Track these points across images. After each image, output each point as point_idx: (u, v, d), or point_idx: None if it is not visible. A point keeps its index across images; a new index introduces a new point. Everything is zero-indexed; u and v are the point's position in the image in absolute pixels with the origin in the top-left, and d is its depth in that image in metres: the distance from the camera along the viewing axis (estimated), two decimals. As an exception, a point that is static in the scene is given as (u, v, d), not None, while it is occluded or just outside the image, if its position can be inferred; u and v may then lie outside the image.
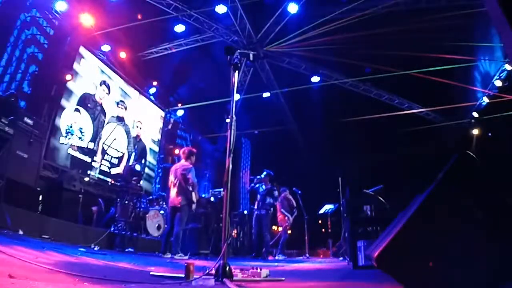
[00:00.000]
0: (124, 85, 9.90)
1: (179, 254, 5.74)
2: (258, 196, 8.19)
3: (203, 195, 10.20)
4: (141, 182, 9.22)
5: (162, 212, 7.85)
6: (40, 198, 5.55)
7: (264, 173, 8.37)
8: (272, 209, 8.12)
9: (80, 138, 8.07)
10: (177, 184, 6.15)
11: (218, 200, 9.51)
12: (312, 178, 12.19)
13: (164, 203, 8.11)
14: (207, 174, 13.29)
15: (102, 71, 9.08)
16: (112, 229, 6.46)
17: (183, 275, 2.50)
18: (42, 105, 7.20)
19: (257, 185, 8.39)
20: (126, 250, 6.14)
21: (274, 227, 11.11)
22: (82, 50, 8.29)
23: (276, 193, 8.23)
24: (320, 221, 12.00)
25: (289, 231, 9.25)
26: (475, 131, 11.50)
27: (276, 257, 8.44)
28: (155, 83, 11.00)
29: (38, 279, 1.83)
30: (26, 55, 6.89)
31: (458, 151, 1.93)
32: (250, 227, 9.21)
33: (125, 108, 9.84)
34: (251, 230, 8.66)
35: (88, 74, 8.52)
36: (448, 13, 7.84)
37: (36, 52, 7.12)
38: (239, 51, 3.04)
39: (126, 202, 6.89)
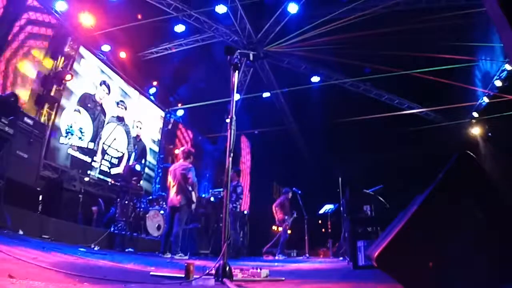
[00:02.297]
0: (124, 85, 9.90)
1: (179, 254, 5.74)
2: None
3: (203, 195, 10.21)
4: (141, 182, 9.23)
5: (162, 212, 7.85)
6: (40, 198, 5.54)
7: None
8: (237, 205, 7.70)
9: (80, 138, 8.07)
10: (177, 183, 6.14)
11: (218, 200, 9.51)
12: (312, 178, 12.21)
13: (164, 203, 8.11)
14: (207, 174, 13.29)
15: (102, 71, 9.07)
16: (112, 229, 6.46)
17: (183, 275, 2.50)
18: (42, 105, 7.20)
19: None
20: (126, 250, 6.13)
21: (274, 227, 11.13)
22: (82, 50, 8.29)
23: (239, 189, 7.82)
24: (320, 221, 12.02)
25: (289, 231, 9.25)
26: (475, 131, 11.50)
27: (276, 257, 8.46)
28: (155, 83, 11.01)
29: (38, 279, 1.82)
30: (26, 55, 6.88)
31: (459, 151, 1.93)
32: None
33: (125, 108, 9.84)
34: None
35: (88, 74, 8.52)
36: (448, 13, 7.85)
37: (36, 52, 7.11)
38: (239, 51, 3.03)
39: (126, 202, 6.89)
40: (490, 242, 1.71)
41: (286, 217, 8.88)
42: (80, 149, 8.05)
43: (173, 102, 11.98)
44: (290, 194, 9.25)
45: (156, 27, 9.09)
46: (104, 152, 8.82)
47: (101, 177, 8.64)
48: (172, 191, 6.17)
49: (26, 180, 5.16)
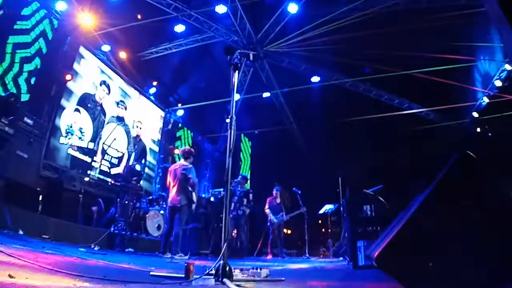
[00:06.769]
0: (124, 85, 9.90)
1: (179, 254, 5.74)
2: (235, 198, 8.28)
3: (203, 195, 10.22)
4: (141, 182, 9.23)
5: (162, 212, 7.85)
6: (40, 198, 5.54)
7: (240, 176, 8.62)
8: (248, 210, 8.35)
9: (80, 138, 8.07)
10: (177, 183, 6.14)
11: (218, 200, 9.52)
12: (312, 178, 12.20)
13: (164, 203, 8.11)
14: (207, 174, 13.29)
15: (102, 71, 9.07)
16: (112, 229, 6.45)
17: (183, 275, 2.50)
18: (42, 105, 7.19)
19: (233, 187, 8.47)
20: (126, 250, 6.14)
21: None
22: (82, 50, 8.29)
23: (251, 195, 8.43)
24: (320, 221, 12.01)
25: (284, 230, 9.27)
26: (475, 131, 11.49)
27: (268, 257, 8.58)
28: (155, 83, 11.00)
29: (38, 279, 1.83)
30: (26, 55, 6.88)
31: (459, 151, 1.93)
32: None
33: (125, 108, 9.84)
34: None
35: (88, 74, 8.52)
36: (448, 13, 7.84)
37: (36, 52, 7.11)
38: (239, 51, 3.04)
39: (126, 202, 6.89)
40: (490, 242, 1.71)
41: (271, 217, 8.88)
42: (80, 149, 8.05)
43: (173, 102, 11.97)
44: (274, 192, 9.21)
45: (156, 27, 9.08)
46: (104, 152, 8.81)
47: (101, 177, 8.64)
48: (173, 191, 6.17)
49: (26, 180, 5.16)
